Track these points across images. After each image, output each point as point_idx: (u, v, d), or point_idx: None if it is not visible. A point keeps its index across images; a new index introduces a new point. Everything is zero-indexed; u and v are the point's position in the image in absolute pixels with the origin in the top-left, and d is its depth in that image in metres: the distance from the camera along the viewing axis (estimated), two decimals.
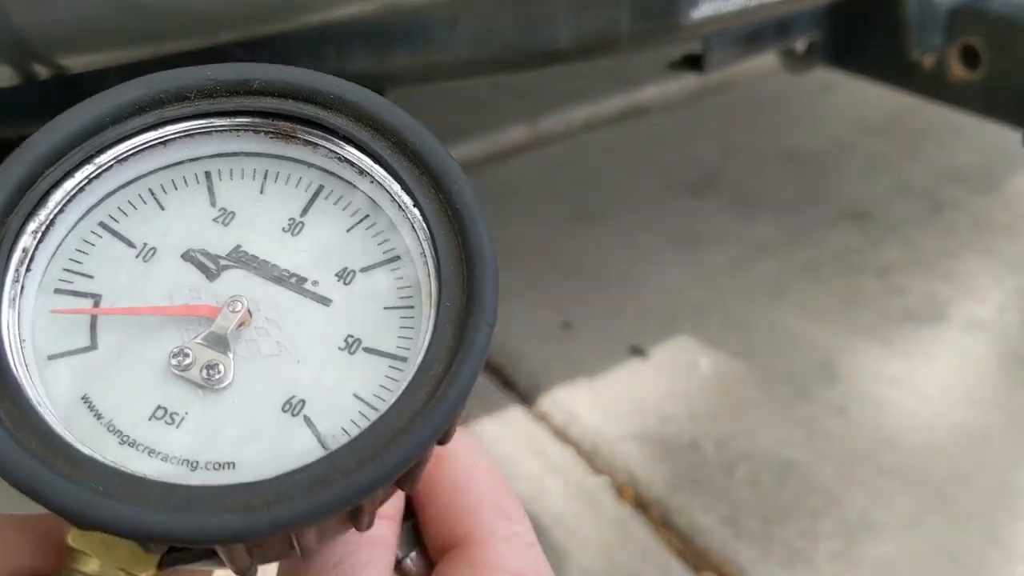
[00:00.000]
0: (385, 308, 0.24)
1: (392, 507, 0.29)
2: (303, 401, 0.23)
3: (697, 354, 1.33)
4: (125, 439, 0.23)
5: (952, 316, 1.40)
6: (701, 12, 0.77)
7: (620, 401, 1.24)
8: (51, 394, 0.23)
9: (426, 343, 0.24)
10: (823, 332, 1.37)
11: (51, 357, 0.23)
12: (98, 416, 0.23)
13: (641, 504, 1.09)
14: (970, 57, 1.09)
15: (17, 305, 0.23)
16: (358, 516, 0.23)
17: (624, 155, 1.92)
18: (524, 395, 1.27)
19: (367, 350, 0.24)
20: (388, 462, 0.22)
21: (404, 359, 0.24)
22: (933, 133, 1.97)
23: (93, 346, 0.24)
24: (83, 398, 0.23)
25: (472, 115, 2.06)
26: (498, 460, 1.16)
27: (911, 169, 1.83)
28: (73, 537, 0.23)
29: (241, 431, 0.23)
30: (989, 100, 1.09)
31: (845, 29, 1.21)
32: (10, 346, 0.23)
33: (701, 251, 1.57)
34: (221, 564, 0.25)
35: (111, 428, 0.23)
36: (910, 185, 1.77)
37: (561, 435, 1.20)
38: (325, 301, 0.24)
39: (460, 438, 0.30)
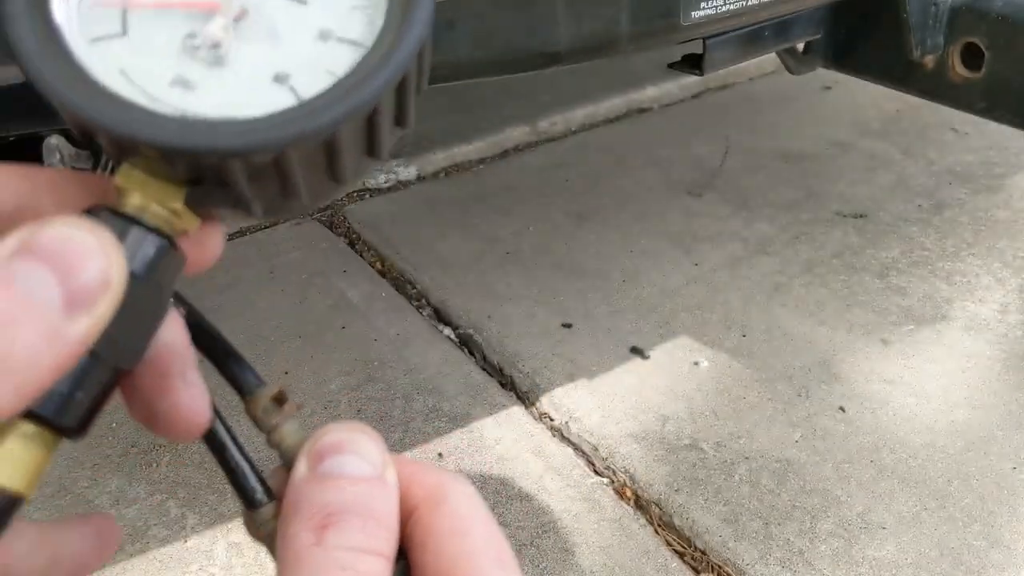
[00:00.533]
0: (352, 7, 0.32)
1: (386, 544, 0.29)
2: (288, 75, 0.30)
3: (697, 354, 1.33)
4: (154, 99, 0.29)
5: (952, 316, 1.40)
6: (701, 13, 0.77)
7: (620, 401, 1.24)
8: (95, 71, 0.30)
9: (381, 25, 0.31)
10: (823, 332, 1.37)
11: (93, 40, 0.30)
12: (132, 84, 0.30)
13: (641, 504, 1.09)
14: (971, 57, 1.09)
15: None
16: (334, 159, 0.30)
17: (624, 155, 1.92)
18: (524, 395, 1.27)
19: (338, 39, 0.31)
20: (358, 96, 0.29)
21: (367, 47, 0.31)
22: (933, 133, 1.97)
23: (124, 32, 0.30)
24: (120, 71, 0.30)
25: (472, 115, 2.06)
26: (498, 460, 1.16)
27: (911, 169, 1.83)
28: (121, 175, 0.30)
29: (243, 96, 0.30)
30: (991, 100, 1.09)
31: (845, 29, 1.21)
32: (66, 27, 0.30)
33: (701, 251, 1.57)
34: (234, 209, 0.30)
35: (143, 92, 0.29)
36: (910, 185, 1.77)
37: (561, 435, 1.20)
38: (304, 2, 0.32)
39: (460, 486, 0.30)
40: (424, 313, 1.45)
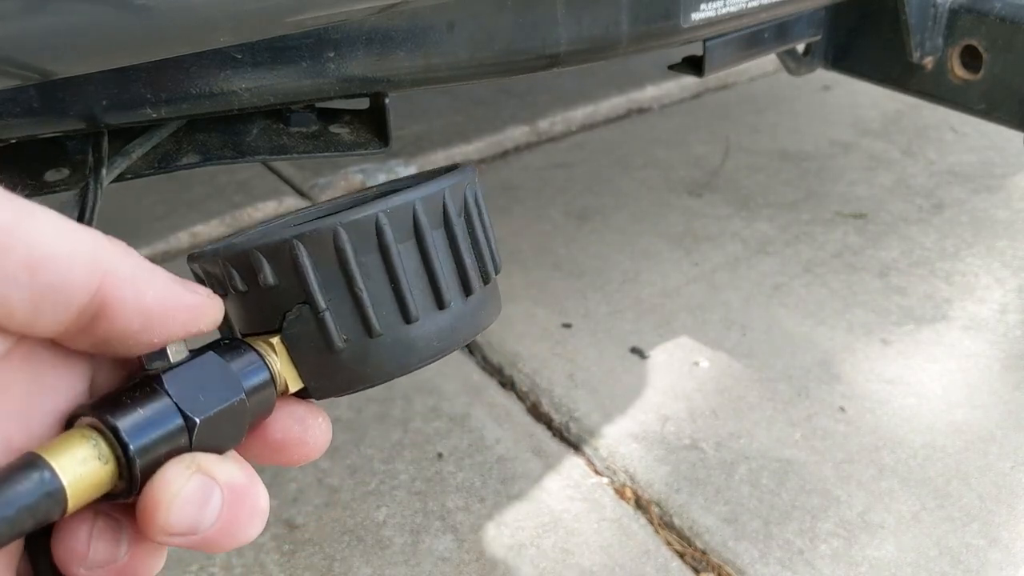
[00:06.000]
0: None
1: None
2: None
3: (697, 354, 1.33)
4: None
5: (952, 316, 1.40)
6: (701, 15, 0.77)
7: (620, 401, 1.25)
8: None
9: None
10: (823, 332, 1.37)
11: None
12: None
13: (641, 504, 1.09)
14: (971, 59, 1.09)
15: None
16: (397, 282, 0.37)
17: (624, 155, 1.92)
18: (524, 395, 1.27)
19: None
20: (401, 196, 0.38)
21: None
22: (933, 133, 1.97)
23: None
24: None
25: (472, 115, 2.06)
26: (498, 460, 1.17)
27: (911, 169, 1.83)
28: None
29: None
30: (990, 102, 1.09)
31: (845, 31, 1.21)
32: None
33: (701, 251, 1.58)
34: (318, 346, 0.37)
35: None
36: (910, 185, 1.77)
37: (561, 435, 1.20)
38: None
39: None
40: None
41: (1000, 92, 1.07)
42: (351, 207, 0.37)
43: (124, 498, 0.31)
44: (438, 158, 1.90)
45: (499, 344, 1.36)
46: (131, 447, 0.30)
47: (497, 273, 0.40)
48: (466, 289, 0.38)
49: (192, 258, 0.37)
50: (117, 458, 0.30)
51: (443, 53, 0.67)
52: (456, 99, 2.12)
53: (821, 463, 1.14)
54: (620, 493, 1.11)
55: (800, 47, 1.26)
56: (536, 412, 1.24)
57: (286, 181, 1.85)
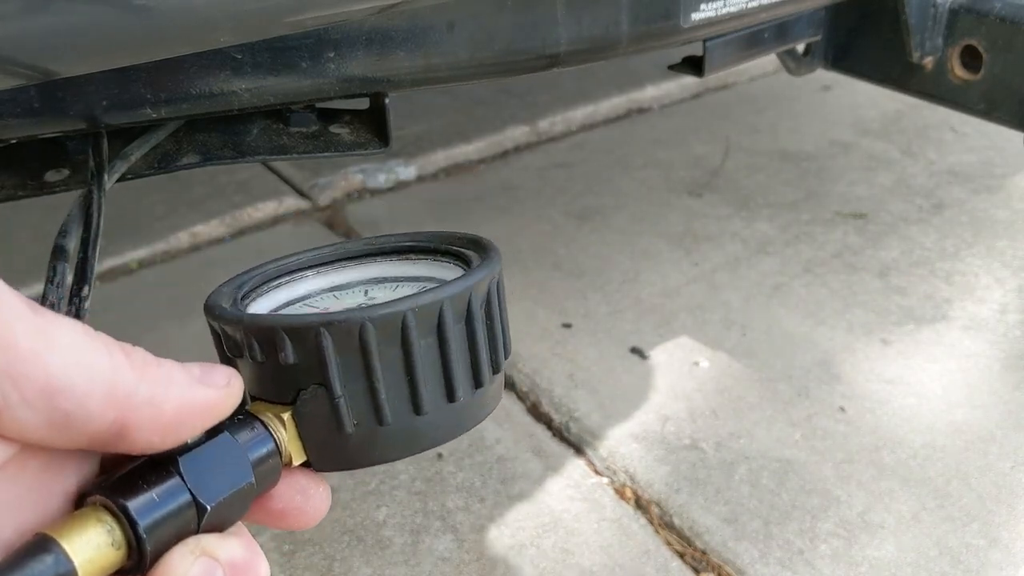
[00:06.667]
0: None
1: None
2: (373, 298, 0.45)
3: (697, 354, 1.33)
4: None
5: (952, 316, 1.40)
6: (701, 15, 0.77)
7: (620, 401, 1.25)
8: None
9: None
10: (823, 332, 1.37)
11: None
12: None
13: (641, 504, 1.09)
14: (971, 59, 1.09)
15: None
16: (415, 384, 0.38)
17: (624, 155, 1.92)
18: (524, 395, 1.27)
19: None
20: (419, 298, 0.38)
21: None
22: (933, 133, 1.97)
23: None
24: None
25: (472, 115, 2.06)
26: (498, 460, 1.17)
27: (911, 169, 1.83)
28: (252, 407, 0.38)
29: None
30: (990, 102, 1.09)
31: (845, 31, 1.21)
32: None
33: (701, 251, 1.58)
34: (328, 426, 0.37)
35: None
36: (910, 185, 1.77)
37: (561, 435, 1.20)
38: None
39: None
40: None
41: (1000, 92, 1.07)
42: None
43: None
44: (438, 158, 1.90)
45: None
46: (142, 531, 0.30)
47: (507, 358, 0.41)
48: (477, 382, 0.39)
49: (212, 313, 0.38)
50: (127, 540, 0.30)
51: (443, 53, 0.67)
52: (456, 99, 2.12)
53: (821, 463, 1.14)
54: (620, 493, 1.11)
55: (800, 47, 1.26)
56: (536, 412, 1.24)
57: (286, 181, 1.85)
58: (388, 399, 0.36)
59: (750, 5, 0.82)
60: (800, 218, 1.67)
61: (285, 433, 0.36)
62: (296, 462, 0.37)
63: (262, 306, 0.42)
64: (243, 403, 0.37)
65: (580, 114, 2.08)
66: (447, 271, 0.43)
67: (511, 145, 1.98)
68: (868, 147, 1.93)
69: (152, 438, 0.31)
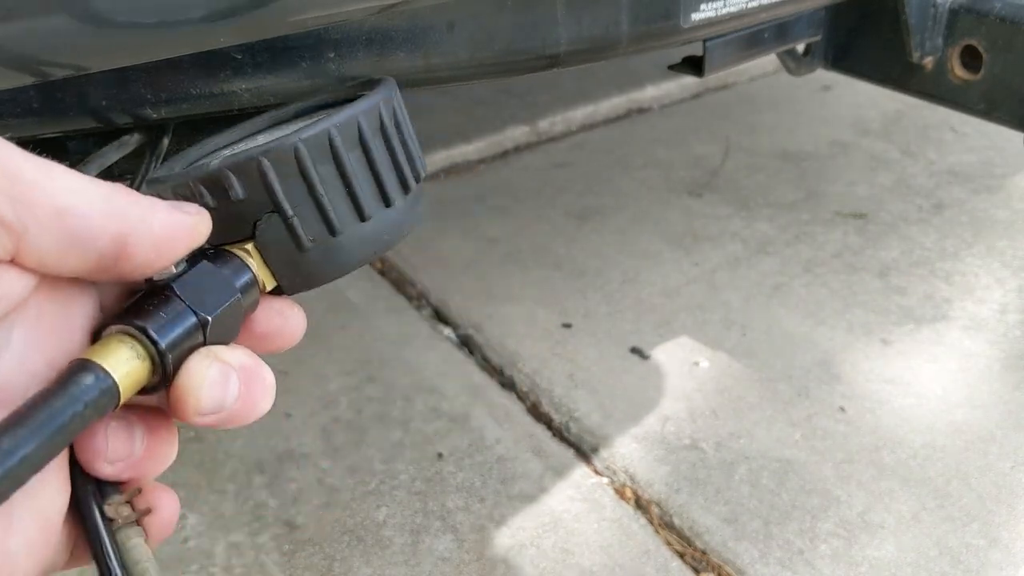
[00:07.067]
0: None
1: None
2: None
3: (697, 354, 1.33)
4: None
5: (952, 316, 1.40)
6: (701, 15, 0.77)
7: (620, 401, 1.25)
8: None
9: None
10: (823, 332, 1.37)
11: None
12: None
13: (641, 504, 1.09)
14: (971, 59, 1.09)
15: None
16: (351, 187, 0.42)
17: (624, 155, 1.92)
18: (524, 395, 1.27)
19: None
20: (368, 100, 0.44)
21: None
22: (933, 133, 1.97)
23: None
24: None
25: (472, 115, 2.06)
26: (498, 460, 1.17)
27: (911, 169, 1.83)
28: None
29: None
30: (990, 102, 1.09)
31: (845, 31, 1.21)
32: None
33: (701, 251, 1.58)
34: (288, 247, 0.41)
35: None
36: (910, 185, 1.77)
37: (561, 435, 1.20)
38: None
39: None
40: (424, 313, 1.45)
41: (1000, 92, 1.07)
42: (296, 125, 0.45)
43: (156, 391, 0.36)
44: (438, 158, 1.90)
45: (499, 344, 1.36)
46: (161, 345, 0.35)
47: (423, 174, 0.46)
48: (405, 188, 0.44)
49: (153, 182, 0.41)
50: (151, 356, 0.35)
51: (443, 53, 0.67)
52: (456, 99, 2.12)
53: (821, 463, 1.14)
54: (620, 493, 1.11)
55: (800, 47, 1.26)
56: (536, 412, 1.24)
57: None
58: (335, 210, 0.41)
59: (750, 5, 0.82)
60: (800, 218, 1.67)
61: (254, 262, 0.40)
62: (268, 287, 0.41)
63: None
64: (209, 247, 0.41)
65: (580, 114, 2.08)
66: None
67: (511, 145, 1.98)
68: (868, 147, 1.93)
69: (149, 254, 0.34)
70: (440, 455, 1.17)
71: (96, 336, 0.36)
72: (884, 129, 2.00)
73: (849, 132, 1.99)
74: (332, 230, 0.41)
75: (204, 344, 0.36)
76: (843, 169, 1.84)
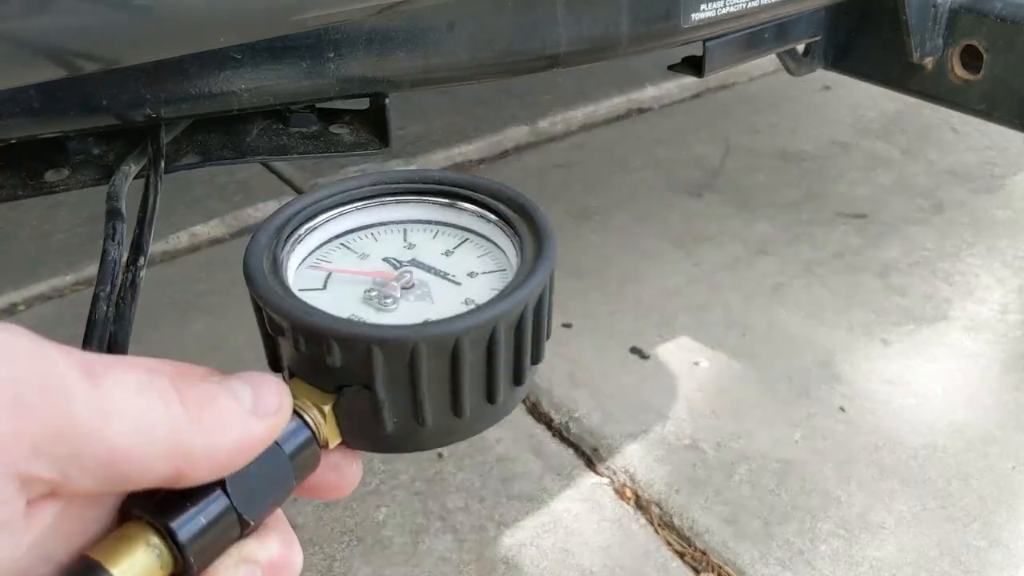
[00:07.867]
0: (492, 288, 0.41)
1: None
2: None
3: (697, 354, 1.33)
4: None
5: (952, 316, 1.40)
6: (701, 15, 0.77)
7: (620, 401, 1.25)
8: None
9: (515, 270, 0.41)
10: (823, 332, 1.37)
11: (302, 291, 0.40)
12: None
13: (641, 504, 1.09)
14: (971, 59, 1.09)
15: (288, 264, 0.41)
16: (457, 389, 0.37)
17: (624, 155, 1.92)
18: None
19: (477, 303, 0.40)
20: (479, 315, 0.37)
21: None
22: (933, 133, 1.97)
23: (325, 288, 0.41)
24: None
25: (472, 115, 2.06)
26: (498, 460, 1.17)
27: (911, 169, 1.83)
28: (293, 385, 0.37)
29: None
30: (990, 102, 1.09)
31: (845, 31, 1.21)
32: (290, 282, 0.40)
33: (701, 251, 1.58)
34: (370, 424, 0.38)
35: None
36: (910, 185, 1.77)
37: (561, 435, 1.20)
38: (456, 283, 0.42)
39: None
40: None
41: (1000, 92, 1.07)
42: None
43: None
44: (438, 158, 1.90)
45: None
46: (189, 554, 0.30)
47: (543, 358, 0.41)
48: (517, 380, 0.39)
49: (256, 291, 0.38)
50: (174, 560, 0.30)
51: (443, 53, 0.67)
52: (456, 99, 2.12)
53: (821, 463, 1.14)
54: (620, 493, 1.11)
55: (800, 47, 1.26)
56: (536, 412, 1.24)
57: (286, 181, 1.85)
58: (431, 406, 0.37)
59: (750, 5, 0.82)
60: (800, 218, 1.67)
61: (324, 423, 0.37)
62: (332, 445, 0.37)
63: (302, 252, 0.43)
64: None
65: (580, 114, 2.08)
66: (488, 228, 0.44)
67: (511, 145, 1.98)
68: (868, 147, 1.93)
69: (206, 477, 0.31)
70: (440, 455, 1.17)
71: (124, 513, 0.31)
72: (884, 129, 2.00)
73: (849, 132, 1.99)
74: (422, 422, 0.37)
75: (239, 538, 0.32)
76: (843, 169, 1.84)
